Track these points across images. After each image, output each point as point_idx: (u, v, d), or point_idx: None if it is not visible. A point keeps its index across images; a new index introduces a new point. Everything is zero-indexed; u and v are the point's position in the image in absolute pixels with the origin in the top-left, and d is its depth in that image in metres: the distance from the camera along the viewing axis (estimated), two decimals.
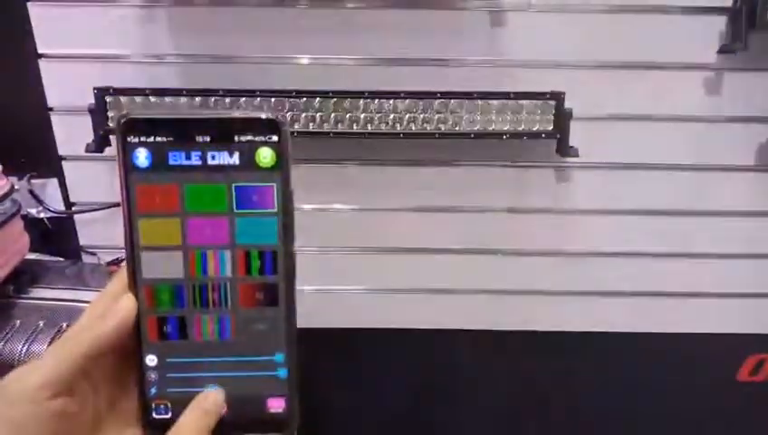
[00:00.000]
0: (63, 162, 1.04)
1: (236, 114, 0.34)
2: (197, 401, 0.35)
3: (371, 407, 1.26)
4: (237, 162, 0.33)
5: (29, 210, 1.04)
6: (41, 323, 0.87)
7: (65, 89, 0.99)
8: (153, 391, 0.35)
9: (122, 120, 0.32)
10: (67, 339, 0.33)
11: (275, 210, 0.34)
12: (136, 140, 0.32)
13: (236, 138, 0.33)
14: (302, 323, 1.11)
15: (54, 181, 1.05)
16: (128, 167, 0.33)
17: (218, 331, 0.35)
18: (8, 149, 1.01)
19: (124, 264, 0.35)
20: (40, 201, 1.04)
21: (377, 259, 1.11)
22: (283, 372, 0.36)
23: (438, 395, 1.26)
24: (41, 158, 1.03)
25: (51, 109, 1.00)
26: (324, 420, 1.28)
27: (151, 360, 0.35)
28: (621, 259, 1.11)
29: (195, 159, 0.33)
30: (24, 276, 0.96)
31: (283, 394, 0.36)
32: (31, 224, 1.01)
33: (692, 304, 1.15)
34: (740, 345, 1.20)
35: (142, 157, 0.33)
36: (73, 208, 1.06)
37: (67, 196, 1.06)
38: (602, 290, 1.13)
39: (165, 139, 0.33)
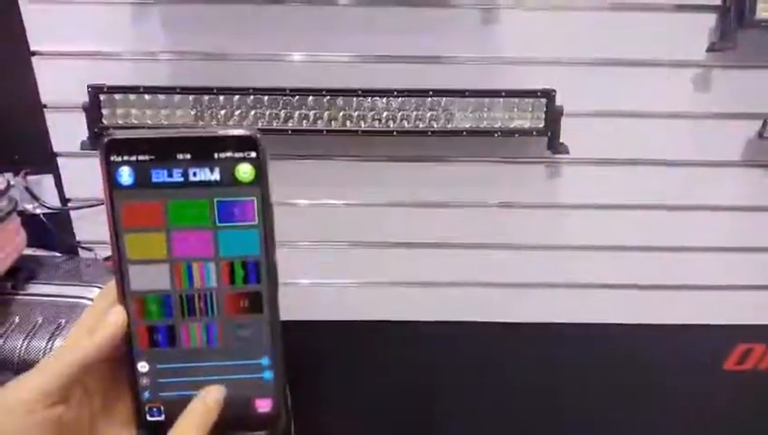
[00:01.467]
0: (58, 158, 1.04)
1: (216, 132, 0.35)
2: (200, 397, 0.36)
3: (365, 397, 1.28)
4: (218, 178, 0.34)
5: (25, 206, 1.05)
6: (40, 320, 0.89)
7: (59, 86, 0.99)
8: (146, 395, 0.37)
9: (105, 141, 0.34)
10: (62, 350, 0.34)
11: (256, 222, 0.35)
12: (119, 159, 0.34)
13: (216, 155, 0.34)
14: (296, 315, 1.13)
15: (50, 177, 1.05)
16: (112, 185, 0.34)
17: (206, 338, 0.37)
18: (3, 145, 1.02)
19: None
20: (36, 197, 1.05)
21: (370, 253, 1.12)
22: (268, 374, 0.38)
23: (431, 386, 1.28)
24: (36, 154, 1.04)
25: (45, 105, 1.00)
26: (319, 410, 1.30)
27: (143, 366, 0.37)
28: (611, 253, 1.12)
29: (177, 176, 0.34)
30: (22, 273, 0.97)
31: (269, 395, 0.38)
32: (27, 220, 1.02)
33: (681, 296, 1.17)
34: (728, 335, 1.22)
35: (126, 175, 0.34)
36: (69, 204, 1.07)
37: (62, 191, 1.06)
38: (592, 283, 1.15)
39: (147, 157, 0.34)
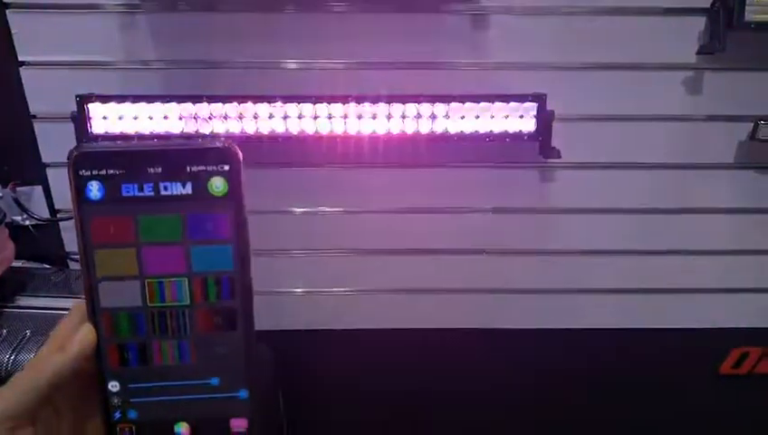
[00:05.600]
0: (47, 169, 1.04)
1: (187, 144, 0.34)
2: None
3: (363, 406, 1.27)
4: (190, 192, 0.34)
5: (14, 218, 1.04)
6: (27, 333, 0.87)
7: (48, 96, 0.98)
8: (117, 415, 0.36)
9: (74, 154, 0.33)
10: (29, 369, 0.33)
11: (230, 237, 0.35)
12: (88, 173, 0.33)
13: (188, 168, 0.33)
14: (291, 324, 1.11)
15: (39, 189, 1.04)
16: (81, 200, 0.33)
17: (179, 356, 0.36)
18: None
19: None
20: (24, 209, 1.04)
21: (364, 261, 1.12)
22: (244, 394, 0.37)
23: (426, 394, 1.27)
24: (25, 165, 1.03)
25: (34, 116, 1.00)
26: (313, 421, 1.29)
27: (113, 386, 0.36)
28: (605, 257, 1.12)
29: (147, 191, 0.33)
30: (10, 285, 0.96)
31: (245, 414, 0.37)
32: (16, 232, 1.01)
33: (676, 300, 1.16)
34: (724, 339, 1.22)
35: (95, 189, 0.33)
36: (58, 215, 1.06)
37: (52, 203, 1.05)
38: (586, 287, 1.15)
39: (117, 171, 0.33)
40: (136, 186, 0.33)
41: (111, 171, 0.33)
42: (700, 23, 0.96)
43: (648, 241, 1.11)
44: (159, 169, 0.33)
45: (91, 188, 0.33)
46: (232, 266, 0.35)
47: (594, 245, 1.12)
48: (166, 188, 0.33)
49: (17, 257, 0.98)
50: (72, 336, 0.34)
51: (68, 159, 0.33)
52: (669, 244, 1.12)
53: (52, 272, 1.03)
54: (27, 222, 1.05)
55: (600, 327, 1.18)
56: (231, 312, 0.36)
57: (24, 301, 0.95)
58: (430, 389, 1.26)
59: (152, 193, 0.33)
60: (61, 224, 1.07)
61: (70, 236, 1.09)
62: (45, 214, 1.06)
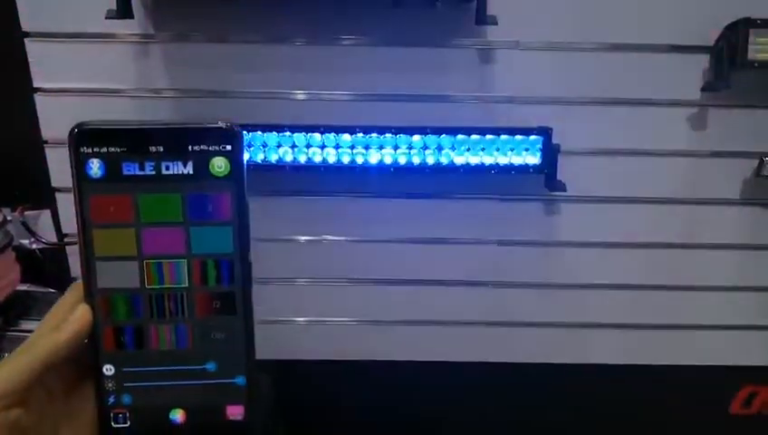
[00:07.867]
0: (57, 194, 1.04)
1: (190, 124, 0.34)
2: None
3: None
4: (191, 172, 0.33)
5: (21, 241, 1.04)
6: None
7: (60, 122, 0.98)
8: (111, 399, 0.35)
9: (75, 131, 0.33)
10: (22, 350, 0.33)
11: (230, 219, 0.34)
12: (89, 150, 0.33)
13: (190, 147, 0.33)
14: (293, 355, 1.10)
15: (47, 213, 1.05)
16: (81, 177, 0.33)
17: (176, 340, 0.35)
18: (2, 180, 1.03)
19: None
20: (32, 232, 1.04)
21: (368, 291, 1.11)
22: (241, 380, 0.36)
23: (431, 428, 1.25)
24: (35, 189, 1.04)
25: (46, 141, 1.01)
26: None
27: (108, 369, 0.35)
28: (610, 292, 1.11)
29: (148, 169, 0.33)
30: (15, 308, 0.96)
31: (241, 401, 0.36)
32: (23, 255, 1.01)
33: (681, 337, 1.15)
34: (732, 377, 1.20)
35: (95, 167, 0.33)
36: (65, 240, 1.07)
37: (60, 227, 1.06)
38: (592, 322, 1.14)
39: (118, 149, 0.33)
40: (137, 164, 0.33)
41: (112, 149, 0.32)
42: (704, 60, 0.97)
43: (653, 276, 1.11)
44: (161, 148, 0.33)
45: (91, 165, 0.33)
46: (232, 249, 0.34)
47: (599, 279, 1.11)
48: (167, 168, 0.33)
49: (23, 281, 0.98)
50: (68, 316, 0.34)
51: (69, 135, 0.32)
52: (675, 279, 1.11)
53: (57, 296, 1.03)
54: (34, 246, 1.06)
55: (604, 363, 1.16)
56: (230, 296, 0.35)
57: (27, 325, 0.95)
58: (435, 422, 1.24)
59: (153, 172, 0.33)
60: (68, 248, 1.07)
61: (76, 260, 1.08)
62: (53, 238, 1.06)
